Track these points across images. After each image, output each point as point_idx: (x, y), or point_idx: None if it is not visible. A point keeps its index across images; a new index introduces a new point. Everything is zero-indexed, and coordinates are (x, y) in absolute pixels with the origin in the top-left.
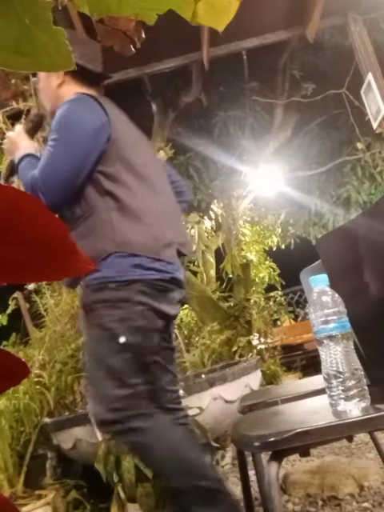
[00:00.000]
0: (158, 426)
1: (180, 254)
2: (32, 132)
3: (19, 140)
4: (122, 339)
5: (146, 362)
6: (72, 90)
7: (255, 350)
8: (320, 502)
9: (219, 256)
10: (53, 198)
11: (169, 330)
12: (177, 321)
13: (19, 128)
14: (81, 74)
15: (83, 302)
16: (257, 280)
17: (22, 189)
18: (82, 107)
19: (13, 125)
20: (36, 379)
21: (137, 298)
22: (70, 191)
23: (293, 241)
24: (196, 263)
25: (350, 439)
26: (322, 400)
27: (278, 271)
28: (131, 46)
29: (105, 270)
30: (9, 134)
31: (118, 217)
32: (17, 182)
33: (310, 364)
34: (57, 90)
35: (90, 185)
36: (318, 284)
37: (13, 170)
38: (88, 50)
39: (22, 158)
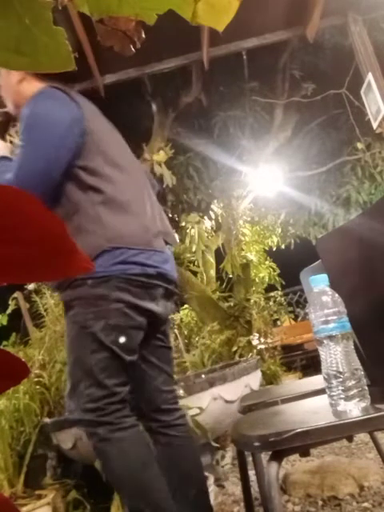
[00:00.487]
0: (124, 441)
1: (166, 244)
2: (0, 132)
3: None
4: (98, 338)
5: (125, 362)
6: (33, 86)
7: (255, 350)
8: (320, 502)
9: (219, 256)
10: None
11: (161, 328)
12: (176, 321)
13: None
14: None
15: (63, 299)
16: (257, 280)
17: None
18: (50, 101)
19: (13, 125)
20: (36, 379)
21: (114, 294)
22: (48, 190)
23: (293, 241)
24: (196, 263)
25: (350, 439)
26: (322, 400)
27: (278, 271)
28: (131, 46)
29: None
30: None
31: (105, 211)
32: None
33: (310, 364)
34: (17, 87)
35: (71, 181)
36: (317, 284)
37: None
38: None
39: None
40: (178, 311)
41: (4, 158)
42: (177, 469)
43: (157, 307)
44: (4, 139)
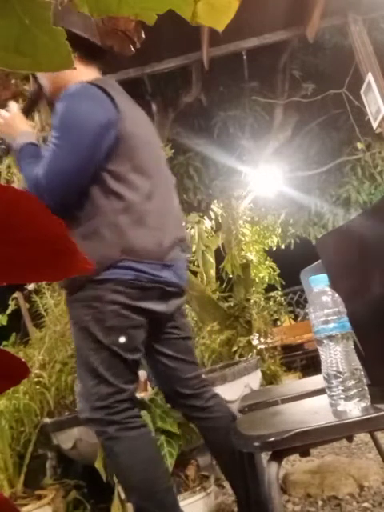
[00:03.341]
0: (132, 441)
1: (182, 250)
2: (28, 111)
3: (16, 123)
4: (98, 339)
5: (127, 361)
6: (77, 71)
7: (255, 350)
8: (320, 502)
9: (219, 256)
10: (59, 200)
11: (168, 323)
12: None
13: (15, 108)
14: (83, 49)
15: (65, 300)
16: (257, 280)
17: (21, 183)
18: (88, 101)
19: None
20: (36, 379)
21: (109, 296)
22: (76, 192)
23: (293, 241)
24: (196, 263)
25: (350, 439)
26: (322, 400)
27: (278, 271)
28: (131, 46)
29: None
30: (3, 113)
31: (124, 220)
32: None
33: (310, 364)
34: None
35: (95, 184)
36: (318, 284)
37: (7, 152)
38: (87, 23)
39: (21, 148)
40: None
41: (31, 145)
42: (221, 449)
43: (156, 306)
44: (30, 118)
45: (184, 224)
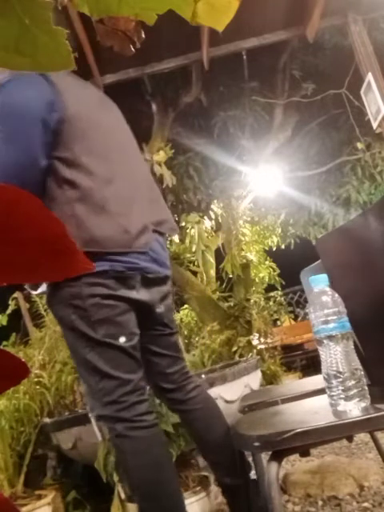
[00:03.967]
0: (141, 440)
1: (160, 234)
2: None
3: None
4: (89, 335)
5: (126, 350)
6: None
7: (255, 350)
8: (320, 502)
9: (219, 256)
10: None
11: (154, 317)
12: (176, 321)
13: None
14: None
15: (47, 303)
16: (257, 280)
17: None
18: (21, 86)
19: None
20: (36, 379)
21: (87, 291)
22: (28, 185)
23: (293, 241)
24: (196, 263)
25: (350, 439)
26: (322, 400)
27: (278, 271)
28: (131, 46)
29: None
30: None
31: (82, 209)
32: None
33: (310, 364)
34: None
35: (49, 175)
36: (318, 284)
37: None
38: None
39: None
40: (178, 311)
41: None
42: (202, 439)
43: (138, 295)
44: None
45: (162, 205)
